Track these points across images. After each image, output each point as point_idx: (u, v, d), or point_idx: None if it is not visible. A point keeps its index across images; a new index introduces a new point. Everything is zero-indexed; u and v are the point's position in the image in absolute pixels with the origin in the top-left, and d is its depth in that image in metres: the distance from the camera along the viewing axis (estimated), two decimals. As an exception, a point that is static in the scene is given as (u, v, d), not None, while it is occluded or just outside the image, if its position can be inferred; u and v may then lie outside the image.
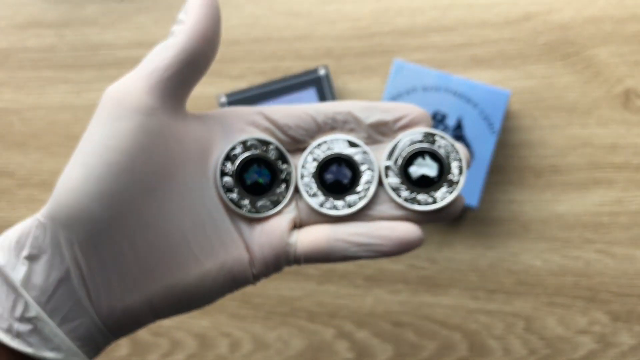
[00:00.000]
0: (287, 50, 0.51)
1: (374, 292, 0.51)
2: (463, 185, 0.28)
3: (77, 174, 0.24)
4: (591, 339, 0.51)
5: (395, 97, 0.48)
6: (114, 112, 0.25)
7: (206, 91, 0.51)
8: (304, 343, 0.52)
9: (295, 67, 0.51)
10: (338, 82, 0.51)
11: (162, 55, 0.25)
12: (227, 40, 0.51)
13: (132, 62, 0.51)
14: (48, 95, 0.52)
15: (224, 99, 0.48)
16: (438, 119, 0.48)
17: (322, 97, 0.49)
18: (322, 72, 0.48)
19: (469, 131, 0.47)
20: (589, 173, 0.50)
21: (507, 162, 0.50)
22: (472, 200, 0.47)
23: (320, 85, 0.48)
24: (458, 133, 0.47)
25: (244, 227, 0.27)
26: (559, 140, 0.50)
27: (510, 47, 0.50)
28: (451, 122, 0.47)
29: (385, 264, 0.51)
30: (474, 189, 0.47)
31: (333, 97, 0.49)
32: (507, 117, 0.50)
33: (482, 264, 0.51)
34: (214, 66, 0.51)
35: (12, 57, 0.52)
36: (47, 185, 0.52)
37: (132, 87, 0.25)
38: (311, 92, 0.49)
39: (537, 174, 0.50)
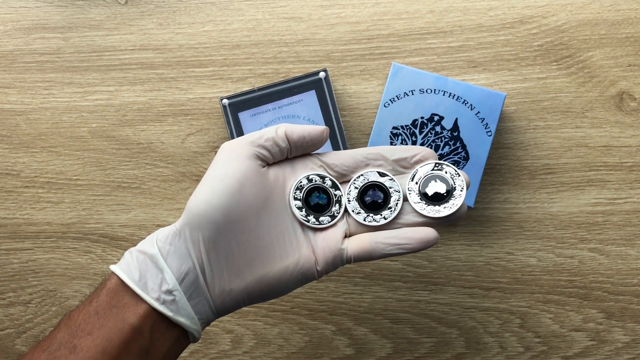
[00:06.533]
0: (288, 53, 0.52)
1: (372, 289, 0.52)
2: (464, 198, 0.37)
3: (205, 192, 0.34)
4: (586, 336, 0.51)
5: (393, 100, 0.48)
6: (230, 155, 0.36)
7: (208, 93, 0.52)
8: (304, 339, 0.52)
9: (295, 70, 0.52)
10: (337, 84, 0.51)
11: (264, 132, 0.36)
12: (229, 44, 0.52)
13: (136, 65, 0.52)
14: (53, 97, 0.53)
15: (225, 102, 0.49)
16: (435, 121, 0.48)
17: (322, 100, 0.49)
18: (322, 75, 0.49)
19: (465, 132, 0.48)
20: (583, 173, 0.51)
21: (502, 163, 0.51)
22: (468, 200, 0.48)
23: (320, 87, 0.49)
24: (454, 134, 0.48)
25: (310, 235, 0.37)
26: (553, 141, 0.51)
27: (505, 50, 0.50)
28: (448, 124, 0.48)
29: (383, 262, 0.52)
30: (470, 189, 0.48)
31: (332, 100, 0.49)
32: (503, 118, 0.51)
33: (478, 263, 0.51)
34: (216, 69, 0.51)
35: (18, 60, 0.53)
36: (53, 185, 0.53)
37: (241, 143, 0.36)
38: (311, 95, 0.49)
39: (532, 174, 0.51)
